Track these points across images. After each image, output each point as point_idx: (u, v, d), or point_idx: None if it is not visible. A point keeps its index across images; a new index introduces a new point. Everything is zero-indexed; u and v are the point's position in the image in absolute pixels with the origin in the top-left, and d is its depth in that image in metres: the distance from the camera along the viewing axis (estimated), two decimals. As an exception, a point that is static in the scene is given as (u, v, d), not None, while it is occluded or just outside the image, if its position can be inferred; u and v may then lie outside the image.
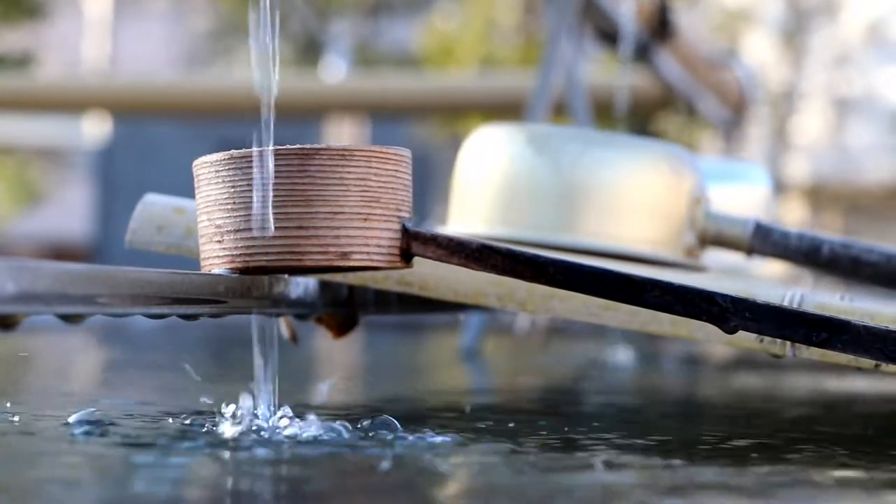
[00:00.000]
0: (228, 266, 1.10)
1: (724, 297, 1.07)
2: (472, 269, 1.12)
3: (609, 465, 1.03)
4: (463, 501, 0.90)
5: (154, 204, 1.35)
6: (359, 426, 1.13)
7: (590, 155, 1.53)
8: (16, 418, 1.20)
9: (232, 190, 1.09)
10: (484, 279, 1.30)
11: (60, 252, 12.88)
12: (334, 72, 11.00)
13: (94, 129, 12.63)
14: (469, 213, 1.56)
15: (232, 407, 1.11)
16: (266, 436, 1.08)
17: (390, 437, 1.10)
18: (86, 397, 1.69)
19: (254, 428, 1.09)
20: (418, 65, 11.45)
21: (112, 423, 1.15)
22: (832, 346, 1.06)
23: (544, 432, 1.25)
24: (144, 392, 1.72)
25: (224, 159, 1.09)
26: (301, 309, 1.30)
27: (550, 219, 1.52)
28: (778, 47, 12.96)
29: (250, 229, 1.08)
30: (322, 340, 2.65)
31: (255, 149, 1.08)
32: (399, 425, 1.13)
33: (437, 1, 12.44)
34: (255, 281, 1.15)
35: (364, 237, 1.09)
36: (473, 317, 2.82)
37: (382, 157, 1.10)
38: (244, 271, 1.11)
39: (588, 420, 1.53)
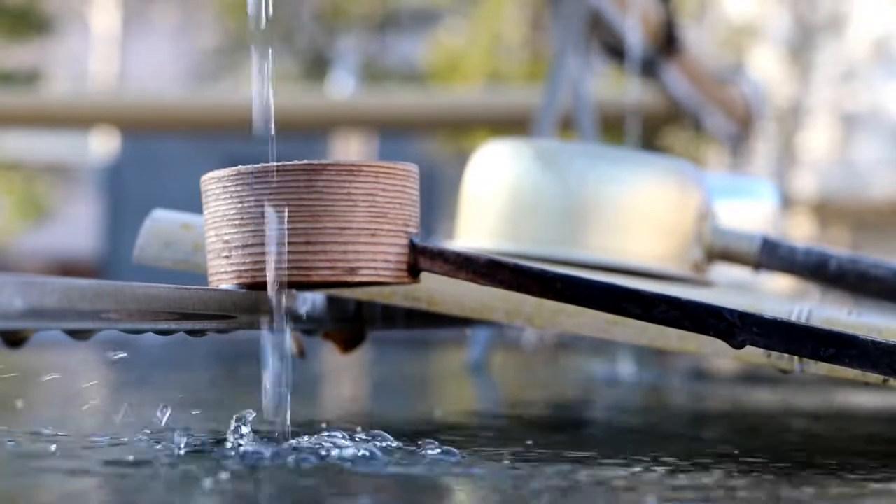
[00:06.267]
0: (236, 281, 1.11)
1: (732, 312, 1.07)
2: (480, 284, 1.12)
3: (617, 481, 1.03)
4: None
5: (162, 220, 1.36)
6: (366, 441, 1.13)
7: (597, 170, 1.53)
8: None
9: (240, 205, 1.09)
10: (491, 294, 1.30)
11: (68, 268, 12.89)
12: (341, 87, 11.02)
13: (102, 144, 12.65)
14: (476, 229, 1.56)
15: (244, 422, 1.11)
16: (277, 451, 1.08)
17: (396, 451, 1.10)
18: (95, 414, 1.70)
19: (264, 443, 1.10)
20: (425, 80, 11.47)
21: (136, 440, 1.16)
22: (840, 362, 1.06)
23: (551, 447, 1.25)
24: (155, 408, 1.72)
25: (232, 175, 1.10)
26: (309, 324, 1.30)
27: (557, 234, 1.52)
28: (784, 63, 12.97)
29: (258, 244, 1.08)
30: (330, 355, 2.65)
31: (265, 164, 1.08)
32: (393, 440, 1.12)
33: (444, 17, 12.46)
34: (262, 296, 1.15)
35: (371, 252, 1.09)
36: (481, 332, 2.82)
37: (390, 173, 1.10)
38: (252, 287, 1.11)
39: (595, 435, 1.53)
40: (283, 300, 1.11)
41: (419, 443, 1.14)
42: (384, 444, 1.12)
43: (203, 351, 3.09)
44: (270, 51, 1.14)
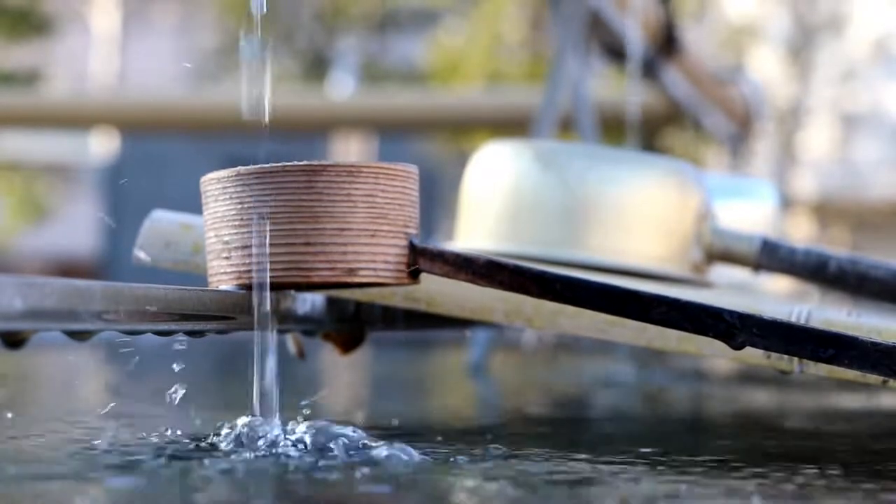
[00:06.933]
0: (236, 282, 1.11)
1: (732, 313, 1.07)
2: (480, 285, 1.12)
3: (617, 482, 1.03)
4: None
5: (161, 220, 1.36)
6: (373, 443, 1.13)
7: (596, 171, 1.53)
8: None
9: (239, 206, 1.09)
10: (491, 295, 1.30)
11: (67, 268, 12.89)
12: (341, 88, 11.02)
13: (102, 145, 12.65)
14: (476, 229, 1.56)
15: (237, 422, 1.11)
16: (271, 451, 1.08)
17: (400, 455, 1.10)
18: (91, 415, 1.70)
19: (258, 443, 1.09)
20: (425, 81, 11.47)
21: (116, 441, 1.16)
22: (839, 363, 1.06)
23: (551, 447, 1.25)
24: (150, 407, 1.72)
25: (231, 176, 1.10)
26: (308, 325, 1.30)
27: (557, 235, 1.52)
28: (784, 63, 12.97)
29: (257, 245, 1.08)
30: (329, 356, 2.65)
31: (264, 165, 1.08)
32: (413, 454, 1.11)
33: (444, 17, 12.46)
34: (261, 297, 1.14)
35: (371, 253, 1.09)
36: (480, 333, 2.82)
37: (390, 174, 1.10)
38: (251, 287, 1.11)
39: (595, 436, 1.53)
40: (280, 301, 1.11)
41: (418, 443, 1.14)
42: (382, 445, 1.12)
43: (202, 350, 3.09)
44: (267, 49, 1.14)
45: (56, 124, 6.92)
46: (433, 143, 10.85)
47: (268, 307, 1.10)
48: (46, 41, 12.38)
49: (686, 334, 1.18)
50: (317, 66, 12.34)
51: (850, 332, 1.08)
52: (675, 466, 1.12)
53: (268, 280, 1.08)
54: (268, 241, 1.08)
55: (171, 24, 15.15)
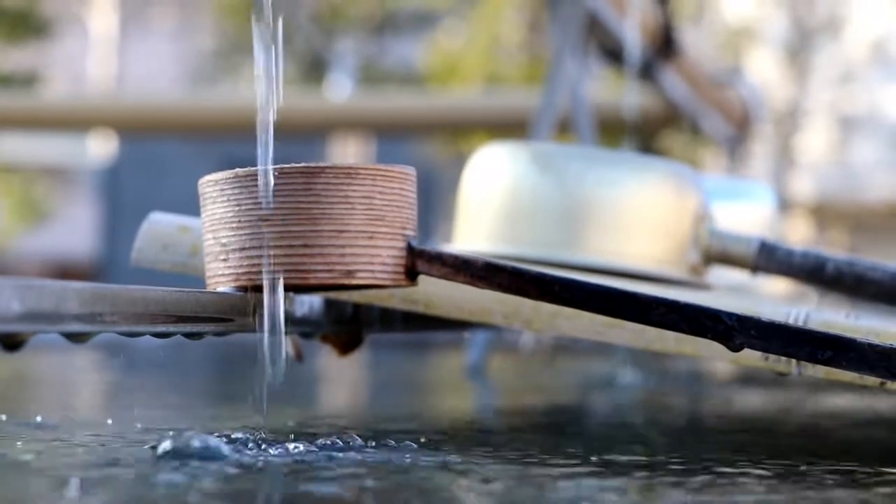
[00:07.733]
0: (234, 284, 1.11)
1: (730, 315, 1.07)
2: (478, 287, 1.12)
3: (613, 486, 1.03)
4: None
5: (159, 222, 1.36)
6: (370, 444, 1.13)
7: (594, 173, 1.53)
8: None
9: (237, 208, 1.09)
10: (489, 297, 1.30)
11: (66, 270, 12.89)
12: (339, 90, 11.02)
13: (100, 147, 12.65)
14: (474, 231, 1.56)
15: (234, 426, 1.11)
16: (268, 455, 1.08)
17: (396, 455, 1.10)
18: (88, 417, 1.70)
19: (256, 447, 1.09)
20: (423, 83, 11.47)
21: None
22: (837, 364, 1.06)
23: (550, 449, 1.25)
24: (145, 411, 1.72)
25: (229, 178, 1.10)
26: (306, 327, 1.30)
27: (555, 236, 1.52)
28: (782, 65, 12.97)
29: (255, 247, 1.08)
30: (327, 358, 2.65)
31: (260, 167, 1.08)
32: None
33: (443, 19, 12.46)
34: (260, 299, 1.15)
35: (369, 255, 1.09)
36: (479, 335, 2.82)
37: (387, 176, 1.10)
38: (249, 289, 1.11)
39: (593, 439, 1.53)
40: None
41: (416, 445, 1.14)
42: (380, 449, 1.12)
43: (200, 352, 3.09)
44: (275, 49, 1.14)
45: (54, 126, 6.92)
46: (431, 144, 10.85)
47: (279, 310, 1.10)
48: (45, 43, 12.38)
49: (684, 336, 1.18)
50: (315, 68, 12.34)
51: (848, 334, 1.08)
52: (674, 470, 1.12)
53: (280, 283, 1.08)
54: (266, 242, 1.08)
55: (170, 26, 15.15)
